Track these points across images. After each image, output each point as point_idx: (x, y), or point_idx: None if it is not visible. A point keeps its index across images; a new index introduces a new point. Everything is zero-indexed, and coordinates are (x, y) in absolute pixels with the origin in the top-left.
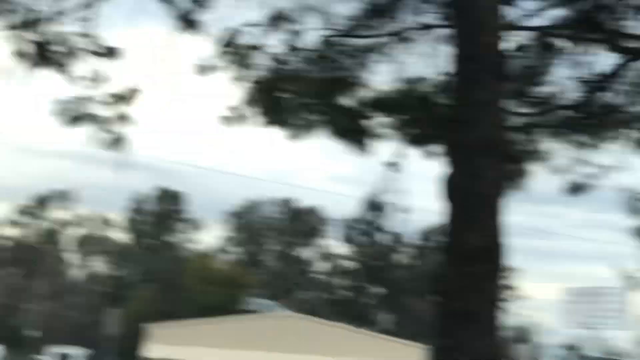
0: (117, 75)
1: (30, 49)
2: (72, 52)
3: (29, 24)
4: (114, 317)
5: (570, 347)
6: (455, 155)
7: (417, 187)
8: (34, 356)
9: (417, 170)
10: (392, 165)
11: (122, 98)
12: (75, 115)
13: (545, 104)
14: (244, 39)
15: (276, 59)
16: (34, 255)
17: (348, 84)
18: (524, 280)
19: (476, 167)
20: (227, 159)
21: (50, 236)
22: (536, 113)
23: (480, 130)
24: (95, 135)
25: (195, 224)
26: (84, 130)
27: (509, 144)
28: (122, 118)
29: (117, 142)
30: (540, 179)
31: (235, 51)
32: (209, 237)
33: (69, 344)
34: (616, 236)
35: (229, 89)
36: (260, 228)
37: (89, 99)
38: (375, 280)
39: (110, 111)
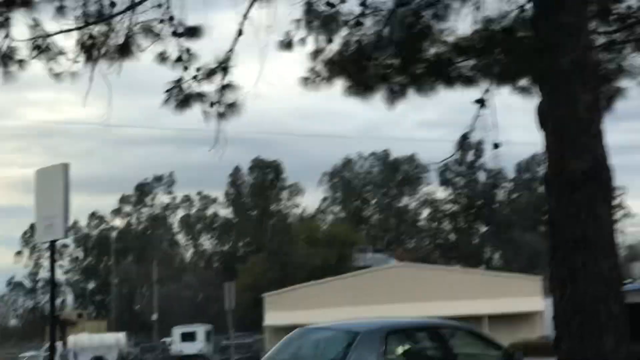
0: (204, 53)
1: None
2: (156, 35)
3: (103, 17)
4: (230, 291)
5: None
6: (548, 84)
7: (510, 121)
8: (162, 339)
9: (509, 105)
10: (482, 102)
11: (218, 70)
12: (184, 96)
13: (630, 18)
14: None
15: (355, 22)
16: (145, 242)
17: (431, 34)
18: (630, 197)
19: (571, 92)
20: (317, 122)
21: (158, 221)
22: (622, 29)
23: (570, 54)
24: (206, 111)
25: (295, 190)
26: (190, 111)
27: (599, 65)
28: (226, 88)
29: (230, 111)
30: (635, 94)
31: (317, 19)
32: (310, 200)
33: (190, 323)
34: None
35: (310, 57)
36: (360, 184)
37: (187, 80)
38: (480, 219)
39: (212, 85)
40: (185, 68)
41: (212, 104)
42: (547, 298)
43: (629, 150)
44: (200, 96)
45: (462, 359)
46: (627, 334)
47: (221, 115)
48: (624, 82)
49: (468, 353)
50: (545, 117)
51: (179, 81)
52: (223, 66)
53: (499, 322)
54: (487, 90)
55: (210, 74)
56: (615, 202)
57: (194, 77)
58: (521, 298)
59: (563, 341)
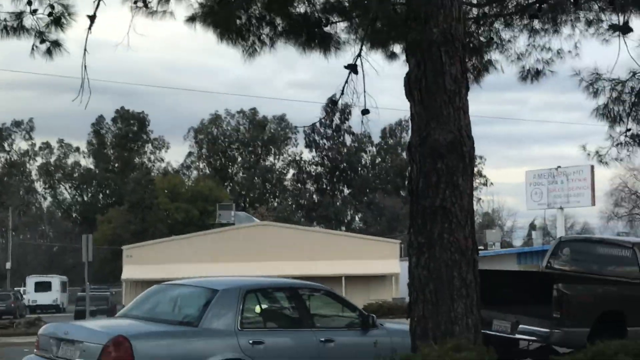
0: None
1: None
2: None
3: None
4: (88, 243)
5: (536, 227)
6: (418, 53)
7: (379, 87)
8: (14, 289)
9: (379, 71)
10: (353, 68)
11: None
12: (13, 27)
13: None
14: None
15: None
16: (1, 188)
17: None
18: (491, 166)
19: (439, 64)
20: (187, 77)
21: (16, 167)
22: (493, 2)
23: (440, 25)
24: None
25: (160, 144)
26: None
27: (469, 37)
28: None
29: (53, 49)
30: (501, 67)
31: None
32: (175, 155)
33: (45, 273)
34: (580, 116)
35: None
36: (226, 141)
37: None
38: (344, 181)
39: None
40: (29, 2)
41: (42, 40)
42: (403, 261)
43: (488, 120)
44: (27, 30)
45: (318, 320)
46: (479, 300)
47: (49, 52)
48: (492, 55)
49: (325, 314)
50: (413, 86)
51: (20, 15)
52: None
53: (357, 283)
54: (358, 55)
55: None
56: (474, 172)
57: (33, 12)
58: (379, 260)
59: (417, 305)
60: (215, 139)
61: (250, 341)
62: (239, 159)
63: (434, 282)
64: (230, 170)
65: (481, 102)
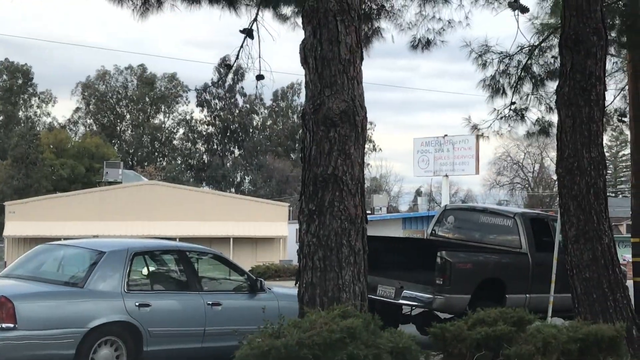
0: None
1: None
2: None
3: None
4: None
5: (422, 193)
6: (314, 21)
7: (273, 50)
8: None
9: (274, 36)
10: (248, 32)
11: None
12: None
13: None
14: None
15: None
16: None
17: None
18: (381, 132)
19: (335, 33)
20: (77, 30)
21: None
22: None
23: None
24: None
25: (47, 98)
26: None
27: (362, 5)
28: None
29: None
30: (392, 36)
31: None
32: (62, 110)
33: None
34: (470, 85)
35: None
36: (115, 98)
37: None
38: (235, 143)
39: None
40: None
41: None
42: (291, 224)
43: (380, 87)
44: None
45: (206, 283)
46: (366, 268)
47: None
48: (383, 23)
49: (213, 277)
50: (308, 54)
51: None
52: None
53: (245, 244)
54: (254, 20)
55: None
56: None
57: None
58: (267, 223)
59: (306, 272)
60: (103, 95)
61: (137, 303)
62: (128, 116)
63: (323, 249)
64: (118, 128)
65: (374, 67)
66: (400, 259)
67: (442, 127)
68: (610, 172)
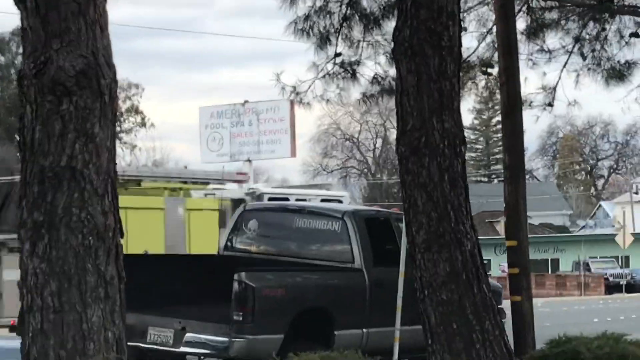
0: None
1: None
2: None
3: None
4: None
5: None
6: None
7: None
8: None
9: None
10: None
11: None
12: None
13: None
14: None
15: None
16: None
17: None
18: (153, 99)
19: None
20: None
21: None
22: None
23: None
24: None
25: None
26: None
27: None
28: None
29: None
30: None
31: None
32: None
33: None
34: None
35: None
36: None
37: None
38: None
39: None
40: None
41: None
42: None
43: (150, 32)
44: None
45: None
46: (124, 303)
47: None
48: None
49: None
50: None
51: None
52: None
53: None
54: None
55: None
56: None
57: None
58: None
59: (32, 315)
60: None
61: None
62: None
63: (58, 279)
64: None
65: (142, 3)
66: (181, 287)
67: (250, 91)
68: (480, 147)
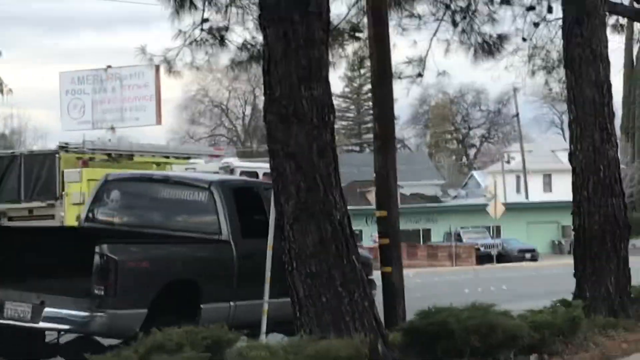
0: None
1: None
2: None
3: None
4: None
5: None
6: None
7: None
8: None
9: None
10: None
11: None
12: None
13: None
14: None
15: None
16: None
17: None
18: (11, 63)
19: None
20: None
21: None
22: None
23: None
24: None
25: None
26: None
27: None
28: None
29: None
30: None
31: None
32: None
33: None
34: None
35: None
36: None
37: None
38: None
39: None
40: None
41: None
42: None
43: None
44: None
45: None
46: None
47: None
48: None
49: None
50: None
51: None
52: None
53: None
54: None
55: None
56: None
57: None
58: None
59: None
60: None
61: None
62: None
63: None
64: None
65: None
66: (41, 260)
67: (116, 56)
68: (352, 116)
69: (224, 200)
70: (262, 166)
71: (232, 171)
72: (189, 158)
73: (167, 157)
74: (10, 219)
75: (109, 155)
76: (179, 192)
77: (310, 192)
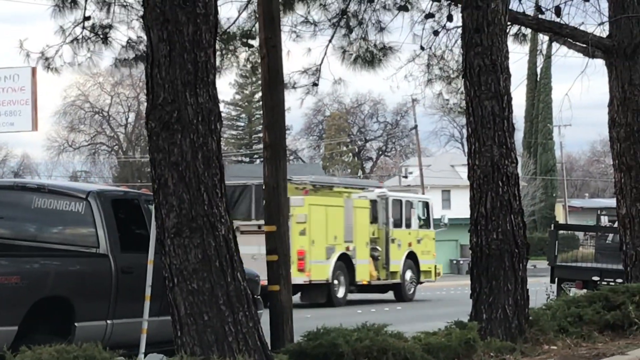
0: None
1: None
2: None
3: None
4: None
5: None
6: None
7: None
8: None
9: None
10: None
11: None
12: None
13: None
14: None
15: None
16: None
17: None
18: None
19: None
20: None
21: None
22: None
23: None
24: None
25: None
26: None
27: None
28: None
29: None
30: None
31: None
32: None
33: None
34: None
35: None
36: None
37: None
38: None
39: None
40: None
41: None
42: None
43: None
44: None
45: None
46: None
47: None
48: None
49: None
50: None
51: None
52: None
53: None
54: None
55: None
56: None
57: None
58: None
59: None
60: None
61: None
62: None
63: None
64: None
65: None
66: None
67: None
68: (242, 125)
69: (102, 212)
70: (415, 196)
71: (386, 199)
72: (363, 188)
73: (346, 188)
74: (242, 232)
75: (313, 186)
76: (55, 202)
77: (193, 204)
